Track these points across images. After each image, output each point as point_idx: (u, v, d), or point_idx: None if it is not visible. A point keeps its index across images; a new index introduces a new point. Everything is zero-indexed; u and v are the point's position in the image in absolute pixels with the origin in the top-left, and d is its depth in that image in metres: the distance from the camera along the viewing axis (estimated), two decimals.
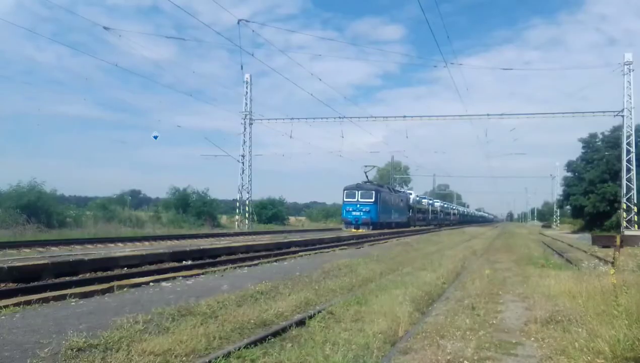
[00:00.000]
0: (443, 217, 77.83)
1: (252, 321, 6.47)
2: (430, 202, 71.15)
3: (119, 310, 6.57)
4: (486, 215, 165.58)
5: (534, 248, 23.91)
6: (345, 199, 38.06)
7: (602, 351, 5.00)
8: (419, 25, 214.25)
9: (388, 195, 41.90)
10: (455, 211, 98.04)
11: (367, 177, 40.88)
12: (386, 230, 38.05)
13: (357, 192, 37.68)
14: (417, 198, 61.19)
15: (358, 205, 37.13)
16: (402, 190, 57.64)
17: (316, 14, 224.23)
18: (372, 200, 37.17)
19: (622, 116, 32.16)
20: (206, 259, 14.00)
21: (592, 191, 46.07)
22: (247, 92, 37.86)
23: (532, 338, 6.06)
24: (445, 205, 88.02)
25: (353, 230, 35.30)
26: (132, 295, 7.97)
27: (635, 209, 32.32)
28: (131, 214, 34.97)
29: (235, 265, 12.71)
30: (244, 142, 37.91)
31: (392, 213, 43.03)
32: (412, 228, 49.78)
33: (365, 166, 41.35)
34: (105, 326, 5.62)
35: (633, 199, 32.55)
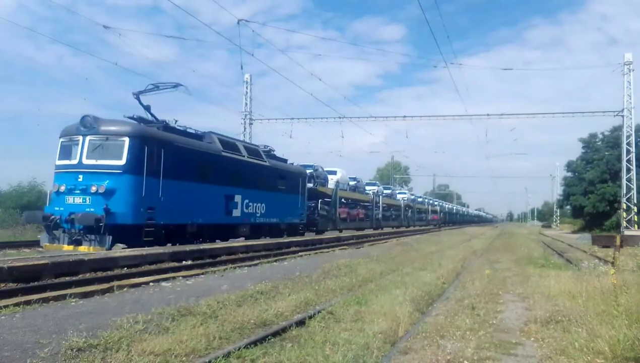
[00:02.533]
0: (413, 216, 56.62)
1: (252, 321, 6.47)
2: (387, 192, 48.86)
3: (119, 310, 6.57)
4: (483, 214, 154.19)
5: (533, 248, 23.92)
6: (58, 163, 14.43)
7: (602, 351, 5.00)
8: (419, 25, 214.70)
9: (194, 148, 16.39)
10: (437, 208, 73.69)
11: (147, 110, 15.95)
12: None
13: (81, 142, 13.98)
14: (356, 184, 39.54)
15: (81, 178, 13.76)
16: (312, 165, 29.98)
17: (317, 14, 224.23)
18: (121, 162, 13.81)
19: (622, 116, 32.18)
20: (206, 259, 13.98)
21: (592, 191, 46.11)
22: (247, 92, 37.85)
23: (532, 338, 6.06)
24: (420, 200, 66.04)
25: (65, 247, 13.31)
26: (132, 295, 7.97)
27: (635, 209, 32.35)
28: None
29: (235, 265, 12.71)
30: None
31: (223, 204, 17.96)
32: (328, 235, 27.30)
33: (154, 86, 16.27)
34: (105, 326, 5.62)
35: (633, 199, 32.58)
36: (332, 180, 33.00)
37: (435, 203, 76.50)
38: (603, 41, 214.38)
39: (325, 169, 33.53)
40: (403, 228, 46.98)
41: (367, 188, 43.53)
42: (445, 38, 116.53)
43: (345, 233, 31.12)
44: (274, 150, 23.39)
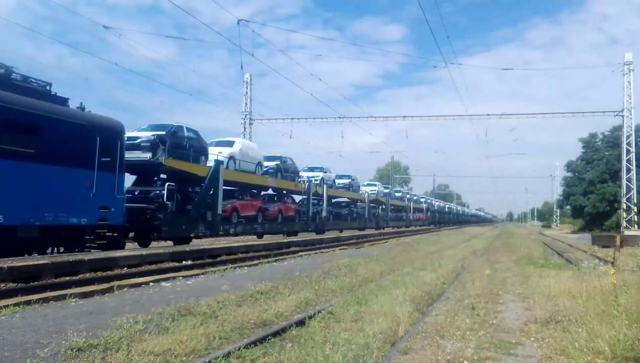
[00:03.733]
0: (386, 214, 43.79)
1: (252, 321, 6.47)
2: (343, 182, 35.66)
3: (118, 310, 6.58)
4: (482, 214, 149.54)
5: (533, 248, 23.92)
6: None
7: (602, 351, 5.01)
8: (419, 25, 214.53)
9: None
10: (423, 205, 60.53)
11: None
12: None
13: None
14: (279, 165, 26.03)
15: None
16: (169, 124, 17.99)
17: (317, 14, 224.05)
18: None
19: (622, 116, 32.19)
20: (206, 259, 13.99)
21: (592, 191, 46.12)
22: (247, 92, 37.88)
23: (532, 338, 6.06)
24: (399, 194, 52.98)
25: None
26: (132, 295, 7.97)
27: (635, 209, 32.36)
28: None
29: (235, 265, 12.71)
30: None
31: None
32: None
33: None
34: (105, 326, 5.62)
35: (633, 199, 32.60)
36: (217, 156, 19.44)
37: (422, 199, 63.71)
38: (603, 41, 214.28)
39: (219, 139, 22.02)
40: (373, 231, 36.94)
41: (308, 174, 30.18)
42: (445, 38, 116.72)
43: (346, 234, 30.82)
44: (33, 79, 11.97)
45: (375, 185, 44.49)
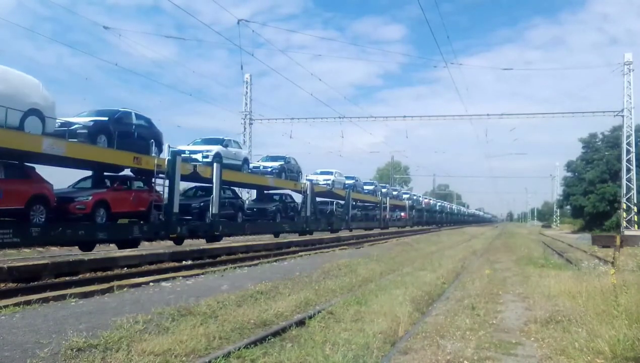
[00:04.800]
0: (345, 211, 33.83)
1: (252, 321, 6.47)
2: (273, 165, 25.49)
3: (118, 310, 6.58)
4: (481, 214, 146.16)
5: (533, 248, 23.91)
6: None
7: (602, 351, 5.01)
8: (419, 25, 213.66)
9: None
10: (404, 202, 50.52)
11: None
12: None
13: None
14: (115, 119, 14.77)
15: None
16: None
17: (317, 14, 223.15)
18: None
19: (622, 116, 32.20)
20: (206, 259, 14.01)
21: (592, 191, 46.11)
22: (247, 92, 37.91)
23: (532, 338, 6.06)
24: (371, 188, 42.02)
25: None
26: (132, 295, 7.97)
27: (635, 209, 32.36)
28: None
29: (235, 265, 12.72)
30: (244, 142, 37.88)
31: None
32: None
33: None
34: (105, 326, 5.62)
35: (633, 199, 32.60)
36: None
37: (404, 196, 52.76)
38: (603, 41, 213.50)
39: None
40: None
41: (194, 148, 19.91)
42: (445, 38, 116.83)
43: (345, 233, 30.81)
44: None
45: (330, 173, 32.92)
